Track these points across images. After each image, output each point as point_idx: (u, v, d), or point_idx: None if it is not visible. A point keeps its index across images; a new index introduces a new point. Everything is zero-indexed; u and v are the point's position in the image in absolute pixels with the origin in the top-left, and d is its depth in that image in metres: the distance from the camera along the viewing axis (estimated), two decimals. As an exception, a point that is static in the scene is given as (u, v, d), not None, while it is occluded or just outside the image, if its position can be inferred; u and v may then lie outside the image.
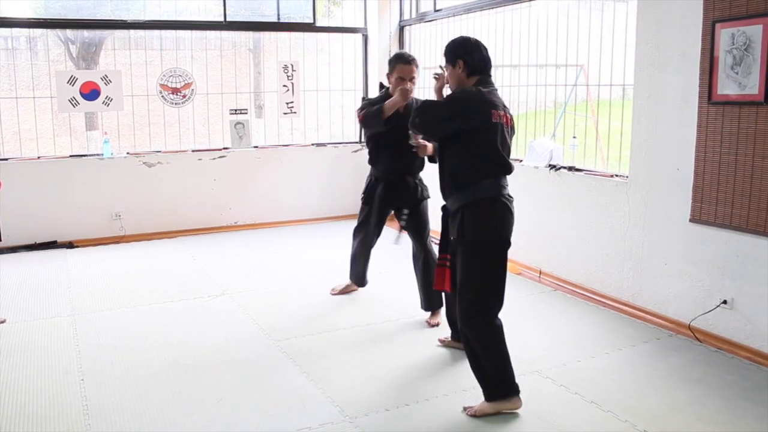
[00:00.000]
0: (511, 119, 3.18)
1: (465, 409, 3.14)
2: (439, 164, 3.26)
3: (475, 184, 3.07)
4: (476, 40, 3.24)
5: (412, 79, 4.13)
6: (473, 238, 3.07)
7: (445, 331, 3.99)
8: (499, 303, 3.16)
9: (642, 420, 3.01)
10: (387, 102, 4.03)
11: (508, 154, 3.17)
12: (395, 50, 7.36)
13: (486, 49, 3.22)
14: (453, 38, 3.33)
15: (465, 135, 3.07)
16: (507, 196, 3.15)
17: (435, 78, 3.43)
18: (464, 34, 5.72)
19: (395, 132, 4.09)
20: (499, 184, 3.11)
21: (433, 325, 4.17)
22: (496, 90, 3.20)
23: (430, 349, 3.83)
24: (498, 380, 3.09)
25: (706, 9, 3.74)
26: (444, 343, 3.90)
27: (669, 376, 3.46)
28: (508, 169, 3.14)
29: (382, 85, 4.51)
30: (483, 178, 3.07)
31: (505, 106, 3.16)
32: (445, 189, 3.20)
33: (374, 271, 4.73)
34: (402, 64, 4.13)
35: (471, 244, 3.08)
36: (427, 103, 3.29)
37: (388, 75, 4.22)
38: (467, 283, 3.12)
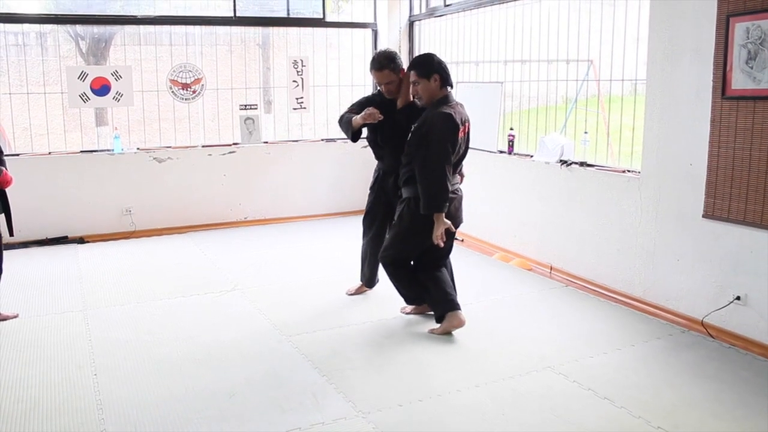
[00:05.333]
0: (469, 127, 3.91)
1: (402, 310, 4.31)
2: (406, 161, 3.90)
3: None
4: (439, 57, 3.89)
5: (388, 84, 4.14)
6: (409, 225, 3.93)
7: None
8: (411, 256, 4.11)
9: (656, 416, 3.00)
10: (356, 117, 4.14)
11: (462, 157, 3.96)
12: (405, 46, 7.36)
13: None
14: (421, 54, 4.00)
15: None
16: (451, 193, 3.79)
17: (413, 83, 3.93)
18: (475, 29, 5.83)
19: (394, 128, 4.19)
20: None
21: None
22: (458, 103, 3.86)
23: (442, 344, 3.83)
24: (405, 294, 4.23)
25: (720, 2, 3.71)
26: (406, 312, 4.32)
27: (682, 373, 3.45)
28: (454, 170, 3.89)
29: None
30: None
31: (465, 119, 3.82)
32: (403, 180, 3.95)
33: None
34: (374, 70, 4.17)
35: (408, 224, 3.93)
36: (430, 151, 3.71)
37: None
38: (393, 241, 4.05)
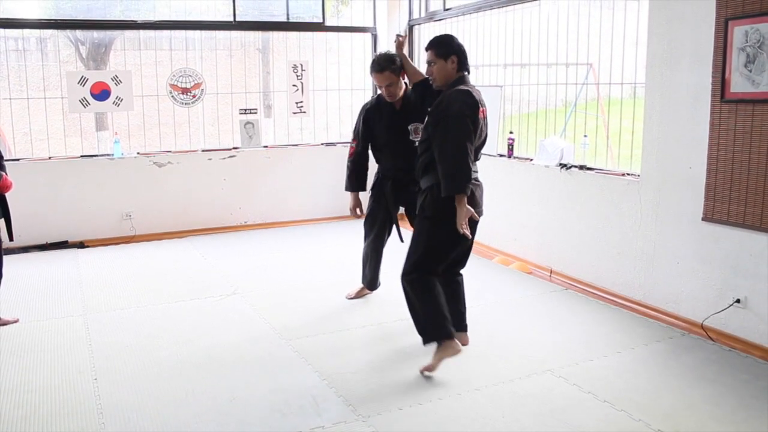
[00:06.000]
0: (486, 113, 3.57)
1: (421, 371, 3.50)
2: (423, 148, 3.55)
3: None
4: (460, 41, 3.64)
5: (388, 86, 4.14)
6: (432, 215, 3.46)
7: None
8: (439, 265, 3.56)
9: (655, 419, 3.00)
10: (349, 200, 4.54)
11: (483, 143, 3.58)
12: (405, 50, 7.35)
13: None
14: (441, 34, 3.67)
15: None
16: (473, 180, 3.43)
17: (397, 41, 4.10)
18: (474, 32, 5.78)
19: (392, 131, 4.21)
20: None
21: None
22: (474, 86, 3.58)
23: (441, 348, 3.83)
24: (429, 325, 3.49)
25: (718, 6, 3.73)
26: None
27: (682, 376, 3.45)
28: (475, 157, 3.51)
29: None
30: None
31: (483, 102, 3.52)
32: (422, 170, 3.56)
33: (385, 270, 4.72)
34: (374, 72, 4.16)
35: (430, 218, 3.47)
36: (450, 127, 3.38)
37: None
38: (416, 246, 3.52)
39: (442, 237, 3.47)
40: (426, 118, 3.63)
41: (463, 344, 3.75)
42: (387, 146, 4.31)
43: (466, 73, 3.56)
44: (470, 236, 3.45)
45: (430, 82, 3.67)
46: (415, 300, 3.51)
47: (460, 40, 3.60)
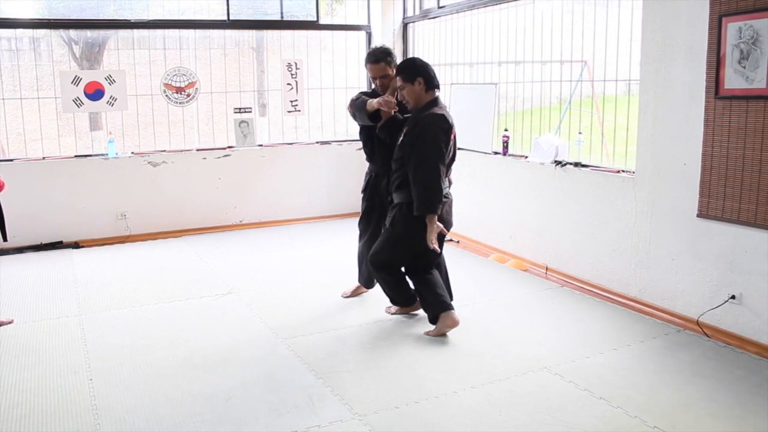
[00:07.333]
0: (455, 133, 3.87)
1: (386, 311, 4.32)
2: (397, 166, 3.88)
3: None
4: (424, 60, 3.93)
5: (382, 78, 4.15)
6: (401, 231, 3.91)
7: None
8: (401, 264, 4.10)
9: (652, 416, 3.01)
10: (372, 100, 4.06)
11: (453, 161, 3.94)
12: (399, 47, 7.36)
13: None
14: (406, 59, 4.06)
15: None
16: (443, 198, 3.79)
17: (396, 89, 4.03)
18: (468, 30, 5.84)
19: (383, 129, 4.17)
20: None
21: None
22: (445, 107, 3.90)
23: (438, 346, 3.83)
24: (401, 297, 4.21)
25: (712, 3, 3.73)
26: (391, 312, 4.35)
27: (678, 372, 3.45)
28: (445, 176, 3.87)
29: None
30: None
31: (452, 123, 3.82)
32: (395, 186, 3.93)
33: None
34: (369, 63, 4.19)
35: (401, 229, 3.90)
36: (425, 150, 3.71)
37: None
38: (383, 247, 4.01)
39: (408, 246, 3.95)
40: (402, 138, 3.86)
41: (452, 325, 3.95)
42: (379, 143, 4.29)
43: (437, 92, 3.83)
44: (439, 250, 3.89)
45: (405, 103, 3.90)
46: (387, 288, 4.18)
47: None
